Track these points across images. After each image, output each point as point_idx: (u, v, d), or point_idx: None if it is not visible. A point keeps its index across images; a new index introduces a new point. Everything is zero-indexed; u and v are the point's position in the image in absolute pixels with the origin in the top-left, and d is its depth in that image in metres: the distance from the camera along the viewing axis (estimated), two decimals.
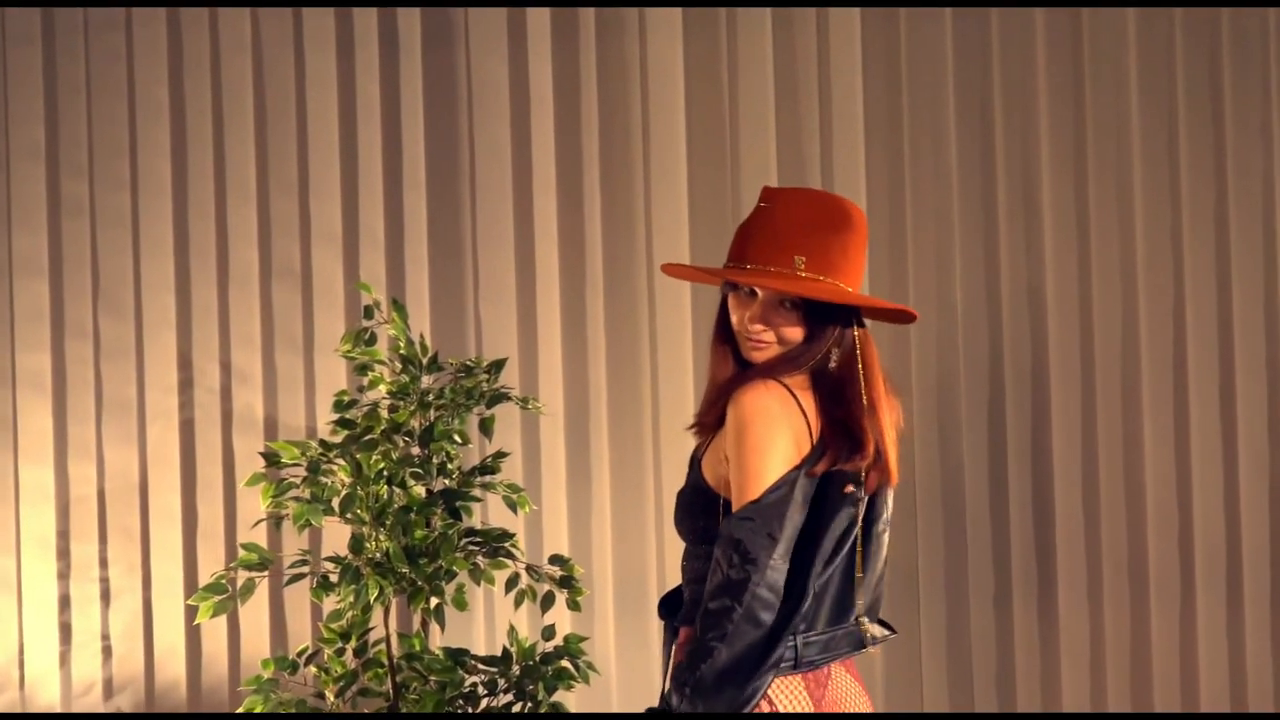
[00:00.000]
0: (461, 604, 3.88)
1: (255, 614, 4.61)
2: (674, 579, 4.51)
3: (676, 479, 4.51)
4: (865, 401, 2.59)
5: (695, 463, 2.69)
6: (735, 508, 2.50)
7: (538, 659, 3.92)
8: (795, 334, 2.60)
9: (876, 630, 2.66)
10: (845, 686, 2.64)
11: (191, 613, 4.57)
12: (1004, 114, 4.58)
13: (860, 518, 2.63)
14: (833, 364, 2.60)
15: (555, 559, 4.02)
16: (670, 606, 2.79)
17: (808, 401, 2.56)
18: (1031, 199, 4.58)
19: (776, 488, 2.48)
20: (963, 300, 4.60)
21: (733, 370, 2.67)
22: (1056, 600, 4.53)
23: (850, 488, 2.57)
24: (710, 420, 2.64)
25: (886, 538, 2.68)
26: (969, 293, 4.60)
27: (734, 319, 2.64)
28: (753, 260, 2.58)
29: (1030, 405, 4.56)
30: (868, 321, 2.75)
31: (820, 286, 2.56)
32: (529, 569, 4.00)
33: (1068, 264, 4.57)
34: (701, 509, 2.62)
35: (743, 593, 2.43)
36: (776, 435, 2.50)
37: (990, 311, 4.59)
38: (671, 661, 2.68)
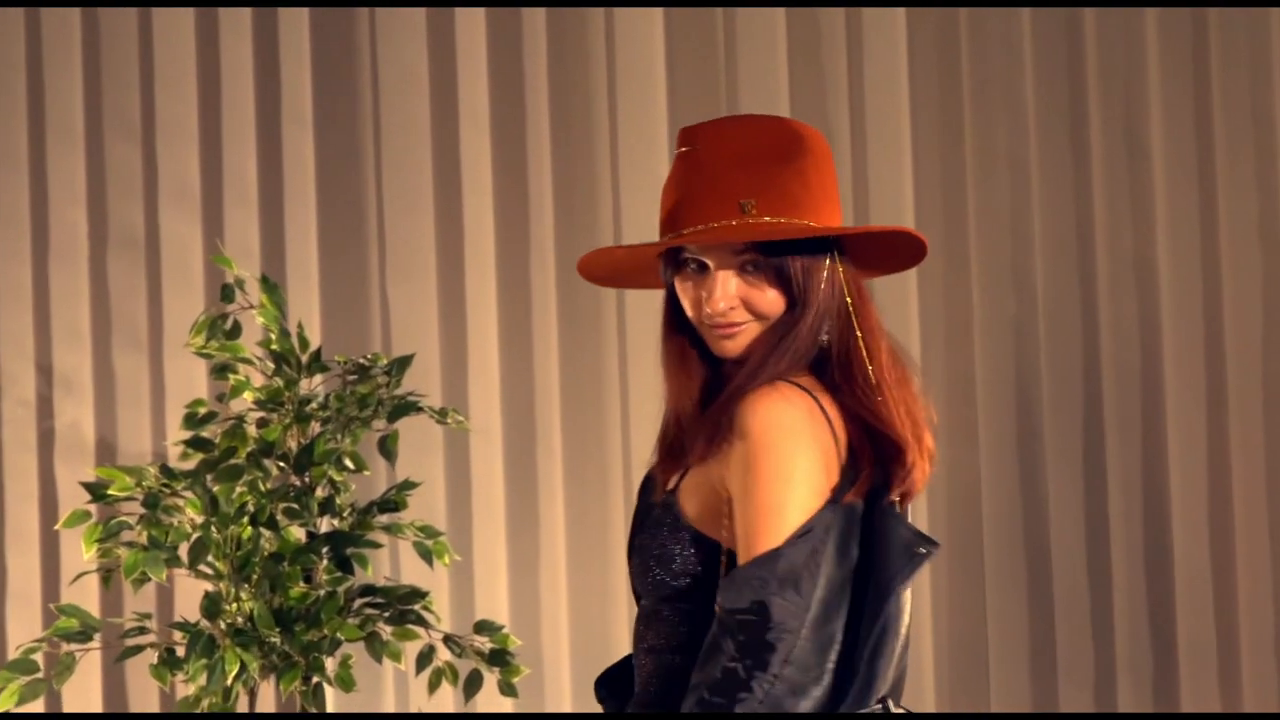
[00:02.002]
0: (348, 683, 3.90)
1: (83, 699, 4.62)
2: None
3: None
4: (872, 375, 2.60)
5: (663, 493, 2.67)
6: (744, 557, 2.47)
7: None
8: (773, 304, 2.60)
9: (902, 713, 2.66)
10: None
11: None
12: (1097, 19, 4.64)
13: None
14: (825, 335, 2.61)
15: (482, 626, 4.04)
16: (613, 686, 2.79)
17: (830, 406, 2.56)
18: (1137, 138, 4.61)
19: (805, 532, 2.47)
20: (1045, 278, 4.64)
21: (704, 373, 2.68)
22: (1178, 683, 4.56)
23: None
24: (698, 444, 2.61)
25: (909, 594, 2.64)
26: (1054, 268, 4.64)
27: (690, 310, 2.65)
28: (688, 222, 2.60)
29: (1140, 420, 4.61)
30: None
31: (784, 228, 2.57)
32: (448, 640, 4.01)
33: (1187, 229, 4.59)
34: (684, 557, 2.59)
35: (763, 672, 2.42)
36: (803, 460, 2.50)
37: (1083, 294, 4.63)
38: None
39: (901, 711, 2.64)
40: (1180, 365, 4.58)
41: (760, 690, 2.41)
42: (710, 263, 2.60)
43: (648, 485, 2.73)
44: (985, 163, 4.66)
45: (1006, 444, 4.62)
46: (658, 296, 4.52)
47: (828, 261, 2.61)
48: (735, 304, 2.59)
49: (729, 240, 2.57)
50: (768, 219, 2.57)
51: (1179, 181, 4.59)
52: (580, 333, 4.71)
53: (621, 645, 4.55)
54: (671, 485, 2.64)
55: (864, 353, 2.59)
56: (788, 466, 2.48)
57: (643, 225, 4.59)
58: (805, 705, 2.44)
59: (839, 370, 2.58)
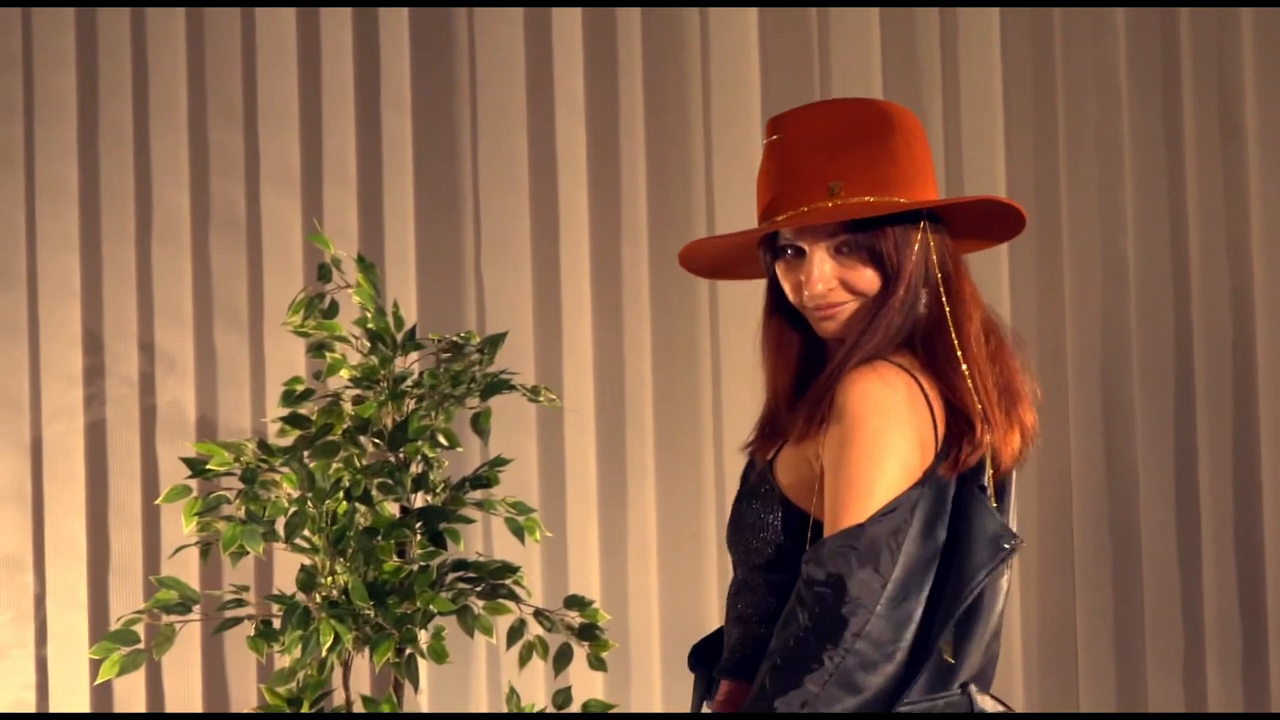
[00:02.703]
0: (440, 655, 3.88)
1: (182, 670, 4.69)
2: None
3: None
4: (956, 347, 2.60)
5: (761, 467, 2.71)
6: (829, 530, 2.49)
7: None
8: (870, 282, 2.63)
9: (989, 704, 2.62)
10: None
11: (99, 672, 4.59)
12: (1191, 14, 4.58)
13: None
14: (923, 307, 2.62)
15: (572, 601, 4.06)
16: (704, 657, 2.81)
17: (928, 384, 2.58)
18: (1231, 116, 4.56)
19: (890, 509, 2.48)
20: (1137, 258, 4.60)
21: (800, 353, 2.73)
22: (1268, 667, 4.51)
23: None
24: (797, 423, 2.63)
25: (1007, 579, 2.64)
26: (1146, 248, 4.60)
27: (791, 295, 2.68)
28: (780, 209, 2.64)
29: (1232, 400, 4.56)
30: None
31: (871, 206, 2.59)
32: (538, 614, 4.04)
33: None
34: (775, 527, 2.64)
35: (835, 645, 2.43)
36: (896, 439, 2.52)
37: (1176, 273, 4.60)
38: None
39: (989, 699, 2.62)
40: (1273, 345, 4.51)
41: (830, 663, 2.42)
42: (805, 247, 2.63)
43: (750, 465, 2.77)
44: (1077, 143, 4.61)
45: (1096, 423, 4.58)
46: (754, 284, 4.56)
47: (919, 235, 2.63)
48: (833, 285, 2.62)
49: (817, 223, 2.60)
50: (856, 199, 2.59)
51: (1273, 160, 4.52)
52: (672, 313, 4.73)
53: (710, 621, 4.62)
54: (769, 458, 2.68)
55: (950, 324, 2.60)
56: (880, 445, 2.50)
57: (736, 211, 4.61)
58: (875, 681, 2.45)
59: (922, 341, 2.60)
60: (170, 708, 4.71)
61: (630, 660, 4.65)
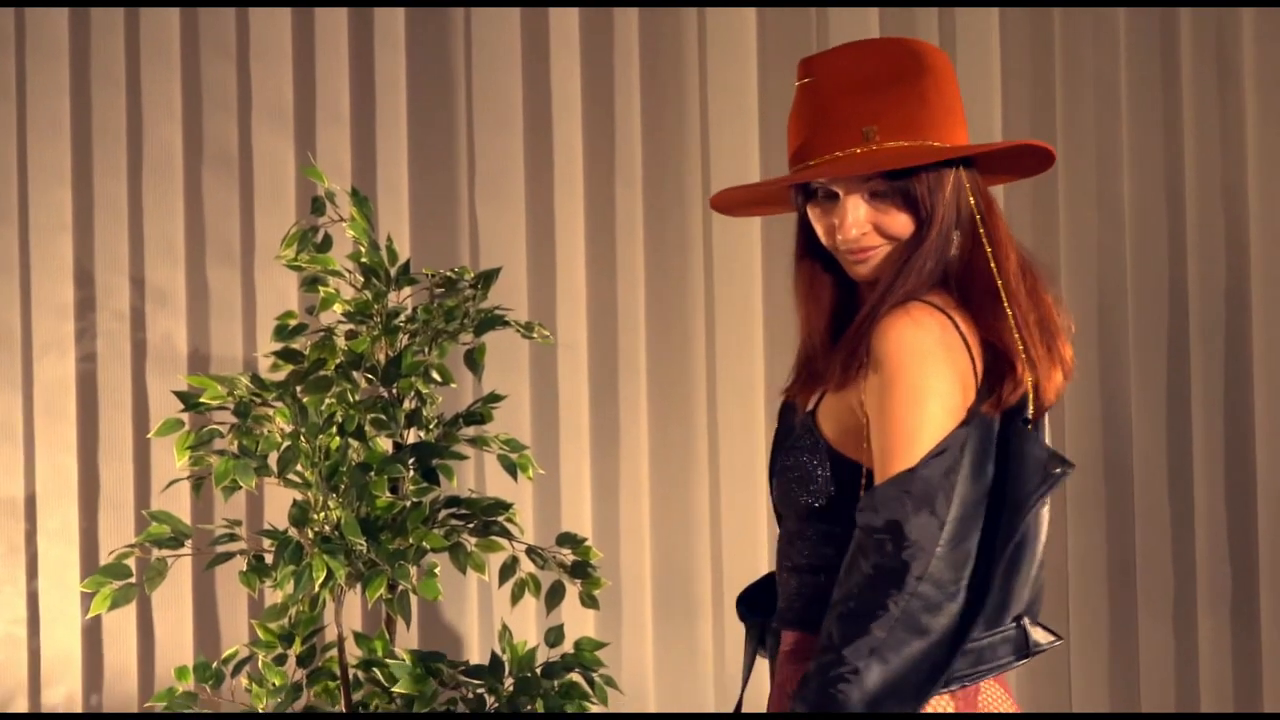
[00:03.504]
0: (432, 591, 3.88)
1: (176, 607, 4.70)
2: (736, 568, 4.66)
3: (738, 435, 4.62)
4: (1000, 290, 2.60)
5: (803, 415, 2.72)
6: (881, 477, 2.51)
7: (537, 670, 3.94)
8: (903, 226, 2.64)
9: (1041, 635, 2.67)
10: (996, 703, 2.64)
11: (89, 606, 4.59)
12: None
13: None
14: (955, 249, 2.63)
15: (565, 538, 4.06)
16: (753, 604, 2.86)
17: (964, 322, 2.59)
18: (1228, 60, 4.53)
19: (940, 451, 2.50)
20: (1133, 201, 4.58)
21: (833, 296, 2.74)
22: (1258, 607, 4.50)
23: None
24: (835, 370, 2.65)
25: (1048, 510, 2.67)
26: (1141, 191, 4.58)
27: (824, 238, 2.69)
28: (813, 153, 2.64)
29: (1224, 347, 4.56)
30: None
31: (907, 151, 2.59)
32: (531, 552, 4.03)
33: (1277, 151, 4.49)
34: (825, 478, 2.65)
35: (899, 590, 2.46)
36: (936, 381, 2.53)
37: (1171, 216, 4.57)
38: (777, 676, 2.72)
39: (1040, 630, 2.66)
40: (1267, 286, 4.48)
41: (895, 608, 2.44)
42: (839, 191, 2.64)
43: (788, 408, 2.80)
44: (1073, 84, 4.59)
45: (1090, 366, 4.57)
46: (747, 223, 4.54)
47: (953, 177, 2.64)
48: (866, 229, 2.63)
49: (853, 172, 2.60)
50: (890, 144, 2.60)
51: (1269, 102, 4.48)
52: (666, 250, 4.73)
53: (701, 559, 4.67)
54: (810, 406, 2.70)
55: (991, 264, 2.60)
56: (921, 388, 2.51)
57: (731, 151, 4.64)
58: (941, 621, 2.48)
59: (958, 282, 2.61)
60: (161, 643, 4.70)
61: (622, 598, 4.67)
